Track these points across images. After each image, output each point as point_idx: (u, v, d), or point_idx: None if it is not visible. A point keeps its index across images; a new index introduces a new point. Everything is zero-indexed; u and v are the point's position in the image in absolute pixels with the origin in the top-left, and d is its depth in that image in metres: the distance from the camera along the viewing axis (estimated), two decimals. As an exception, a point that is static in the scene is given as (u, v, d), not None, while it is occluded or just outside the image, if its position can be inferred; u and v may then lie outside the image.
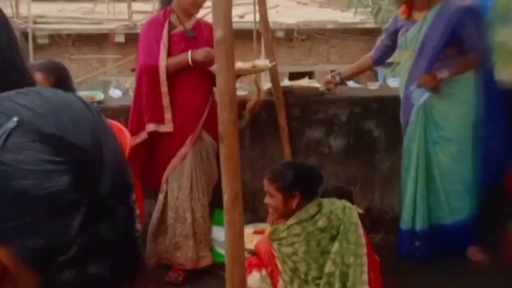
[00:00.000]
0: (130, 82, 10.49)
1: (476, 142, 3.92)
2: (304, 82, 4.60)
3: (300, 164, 3.40)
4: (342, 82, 4.43)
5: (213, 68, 2.80)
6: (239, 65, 3.58)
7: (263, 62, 4.00)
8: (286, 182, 2.95)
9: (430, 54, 3.83)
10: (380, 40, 4.22)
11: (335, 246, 2.88)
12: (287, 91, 4.21)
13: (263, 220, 3.67)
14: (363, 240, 2.94)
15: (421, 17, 3.89)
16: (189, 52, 3.65)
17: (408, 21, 3.97)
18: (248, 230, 3.34)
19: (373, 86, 4.68)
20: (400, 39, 4.00)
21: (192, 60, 3.63)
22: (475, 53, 3.81)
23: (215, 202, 3.77)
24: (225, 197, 2.28)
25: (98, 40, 12.21)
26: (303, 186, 2.97)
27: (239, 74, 3.70)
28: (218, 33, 2.22)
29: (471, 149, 3.93)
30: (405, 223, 4.00)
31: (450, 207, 3.95)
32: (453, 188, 3.94)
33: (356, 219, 2.95)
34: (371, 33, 16.47)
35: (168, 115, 3.71)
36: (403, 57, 4.06)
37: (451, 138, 3.89)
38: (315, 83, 4.53)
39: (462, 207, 3.96)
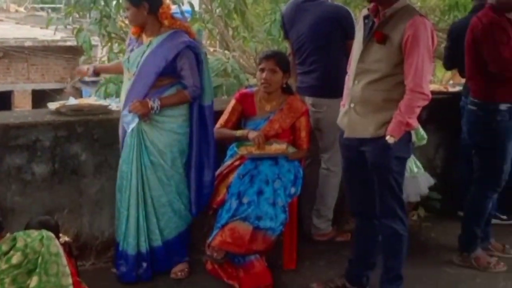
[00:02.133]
0: None
1: (188, 172, 4.04)
2: (92, 100, 4.71)
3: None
4: (97, 74, 4.46)
5: None
6: None
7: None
8: None
9: (147, 80, 3.86)
10: None
11: (34, 281, 2.73)
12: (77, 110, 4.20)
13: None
14: (67, 270, 2.84)
15: (147, 42, 3.91)
16: None
17: (136, 42, 3.97)
18: None
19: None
20: (125, 58, 3.97)
21: None
22: (190, 89, 3.91)
23: None
24: None
25: None
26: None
27: None
28: None
29: (180, 177, 4.03)
30: (130, 247, 3.94)
31: (160, 229, 4.01)
32: (162, 211, 4.00)
33: (57, 249, 2.83)
34: (73, 51, 16.24)
35: None
36: (126, 76, 4.02)
37: (160, 163, 3.94)
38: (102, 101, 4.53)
39: (170, 228, 4.05)
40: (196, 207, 4.06)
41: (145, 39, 3.96)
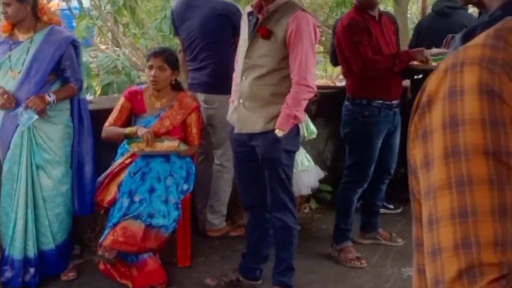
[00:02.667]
0: None
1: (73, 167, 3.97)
2: None
3: None
4: None
5: None
6: None
7: None
8: None
9: (38, 77, 3.76)
10: None
11: None
12: None
13: None
14: None
15: (27, 39, 3.78)
16: None
17: (9, 40, 3.81)
18: None
19: None
20: (3, 58, 3.81)
21: None
22: (75, 83, 3.87)
23: None
24: None
25: None
26: None
27: None
28: None
29: (71, 173, 3.96)
30: (17, 252, 3.79)
31: (52, 232, 3.89)
32: (56, 212, 3.89)
33: None
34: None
35: None
36: (7, 76, 3.84)
37: (56, 160, 3.85)
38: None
39: (63, 230, 3.95)
40: (79, 205, 3.98)
41: (21, 36, 3.84)
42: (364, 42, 4.16)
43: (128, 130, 4.11)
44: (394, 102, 4.30)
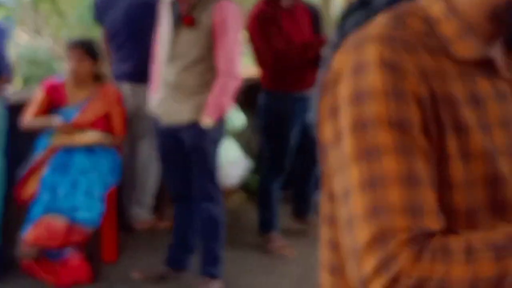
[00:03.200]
0: None
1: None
2: None
3: None
4: None
5: None
6: None
7: None
8: None
9: None
10: None
11: None
12: None
13: None
14: None
15: None
16: None
17: None
18: None
19: None
20: None
21: None
22: (5, 73, 3.76)
23: None
24: None
25: None
26: None
27: None
28: None
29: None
30: None
31: None
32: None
33: None
34: None
35: None
36: None
37: None
38: None
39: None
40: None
41: None
42: (275, 33, 4.14)
43: (48, 122, 3.98)
44: (309, 92, 4.29)
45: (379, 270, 0.86)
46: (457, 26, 0.97)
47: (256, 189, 5.44)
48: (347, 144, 0.92)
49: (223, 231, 3.68)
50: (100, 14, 4.65)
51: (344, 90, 0.94)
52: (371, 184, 0.89)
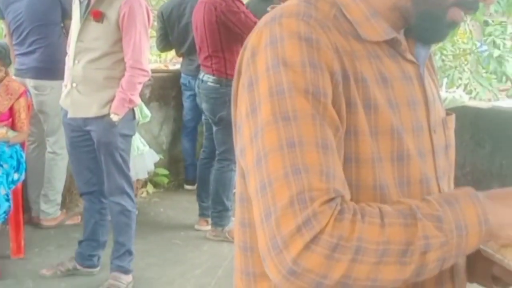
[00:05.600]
0: None
1: None
2: None
3: None
4: None
5: None
6: None
7: None
8: None
9: None
10: None
11: None
12: None
13: None
14: None
15: None
16: None
17: None
18: None
19: None
20: None
21: None
22: None
23: None
24: None
25: None
26: None
27: None
28: None
29: None
30: None
31: None
32: None
33: None
34: None
35: None
36: None
37: None
38: None
39: None
40: None
41: None
42: (247, 12, 4.21)
43: None
44: None
45: (300, 229, 0.87)
46: (365, 10, 1.02)
47: (164, 182, 5.48)
48: (264, 110, 0.93)
49: (134, 225, 3.70)
50: (2, 6, 4.53)
51: (261, 62, 0.96)
52: (289, 145, 0.90)
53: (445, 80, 8.20)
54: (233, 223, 4.49)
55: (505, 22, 8.76)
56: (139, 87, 3.50)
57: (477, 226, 0.92)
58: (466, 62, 9.23)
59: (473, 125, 5.25)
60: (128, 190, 3.63)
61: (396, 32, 1.06)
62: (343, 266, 0.87)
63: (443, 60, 8.42)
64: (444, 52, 8.49)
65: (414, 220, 0.90)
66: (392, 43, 1.05)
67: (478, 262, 1.09)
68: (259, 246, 0.92)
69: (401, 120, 1.02)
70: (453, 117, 1.17)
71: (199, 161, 4.76)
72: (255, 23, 4.20)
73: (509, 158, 5.05)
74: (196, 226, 4.69)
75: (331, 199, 0.89)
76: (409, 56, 1.07)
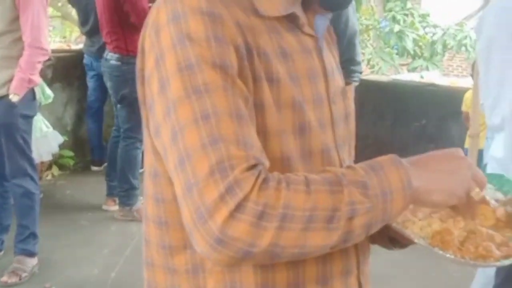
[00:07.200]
0: None
1: None
2: None
3: None
4: None
5: None
6: None
7: None
8: None
9: None
10: None
11: None
12: None
13: None
14: None
15: None
16: None
17: None
18: None
19: None
20: None
21: None
22: None
23: None
24: None
25: None
26: None
27: None
28: None
29: None
30: None
31: None
32: None
33: None
34: None
35: None
36: None
37: None
38: None
39: None
40: None
41: None
42: None
43: None
44: None
45: (224, 197, 0.87)
46: None
47: (70, 164, 5.37)
48: (174, 86, 0.93)
49: (38, 207, 3.61)
50: None
51: (165, 38, 0.95)
52: (204, 118, 0.90)
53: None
54: (141, 202, 4.60)
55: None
56: (39, 66, 3.40)
57: (402, 191, 0.94)
58: (368, 38, 9.50)
59: (375, 99, 5.42)
60: (31, 172, 3.54)
61: (296, 5, 1.07)
62: (270, 234, 0.87)
63: (346, 36, 8.63)
64: (347, 28, 8.69)
65: (340, 187, 0.91)
66: (290, 18, 1.06)
67: None
68: (184, 220, 0.92)
69: (302, 93, 1.03)
70: (351, 86, 1.21)
71: (110, 140, 4.69)
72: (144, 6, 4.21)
73: (409, 128, 5.27)
74: (104, 207, 4.64)
75: (252, 166, 0.89)
76: (308, 30, 1.09)
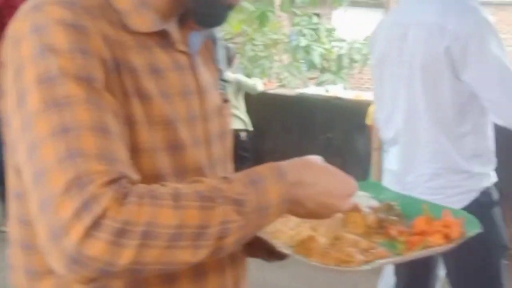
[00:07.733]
0: None
1: None
2: None
3: None
4: None
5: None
6: None
7: None
8: None
9: None
10: None
11: None
12: None
13: None
14: None
15: None
16: None
17: None
18: None
19: None
20: None
21: None
22: None
23: None
24: None
25: None
26: None
27: None
28: None
29: None
30: None
31: None
32: None
33: None
34: None
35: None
36: None
37: None
38: None
39: None
40: None
41: None
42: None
43: None
44: None
45: (79, 213, 0.82)
46: (132, 1, 1.00)
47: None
48: (33, 99, 0.88)
49: None
50: None
51: (26, 49, 0.91)
52: (63, 131, 0.86)
53: (257, 70, 8.46)
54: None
55: (311, 13, 9.19)
56: None
57: (280, 204, 0.94)
58: (276, 52, 9.60)
59: (282, 112, 5.46)
60: None
61: (169, 20, 1.04)
62: (130, 252, 0.83)
63: (254, 51, 8.68)
64: (255, 42, 8.75)
65: (213, 203, 0.88)
66: (162, 35, 1.03)
67: (253, 238, 1.12)
68: (40, 239, 0.86)
69: (175, 110, 1.01)
70: (228, 104, 1.18)
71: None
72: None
73: (315, 142, 5.32)
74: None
75: (113, 181, 0.84)
76: (181, 47, 1.06)
